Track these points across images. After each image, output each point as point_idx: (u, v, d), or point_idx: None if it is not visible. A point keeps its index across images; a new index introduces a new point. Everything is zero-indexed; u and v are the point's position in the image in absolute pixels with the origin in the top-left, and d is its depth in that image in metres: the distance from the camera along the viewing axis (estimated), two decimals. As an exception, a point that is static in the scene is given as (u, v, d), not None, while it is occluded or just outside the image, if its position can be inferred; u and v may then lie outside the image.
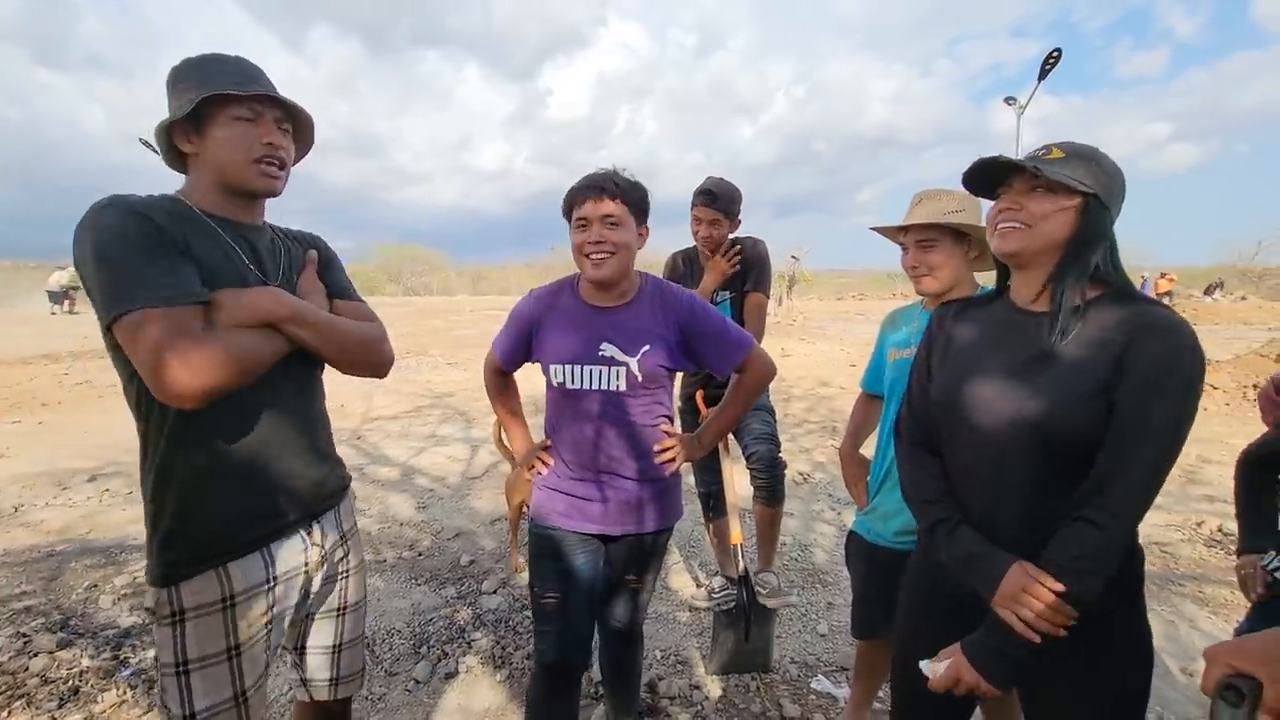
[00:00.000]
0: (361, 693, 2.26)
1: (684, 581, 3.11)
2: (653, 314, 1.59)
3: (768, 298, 2.54)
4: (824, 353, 12.19)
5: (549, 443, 1.67)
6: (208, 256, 1.08)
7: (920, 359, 1.31)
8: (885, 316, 1.90)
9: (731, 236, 2.58)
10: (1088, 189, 1.05)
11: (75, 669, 2.34)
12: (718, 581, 2.94)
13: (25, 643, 2.47)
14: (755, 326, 2.49)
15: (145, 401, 1.07)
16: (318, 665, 1.34)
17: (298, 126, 1.21)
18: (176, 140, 1.12)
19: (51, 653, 2.42)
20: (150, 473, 1.09)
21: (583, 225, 1.50)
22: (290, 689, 2.17)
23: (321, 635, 1.33)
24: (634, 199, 1.52)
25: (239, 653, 1.12)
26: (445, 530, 3.72)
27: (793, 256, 25.29)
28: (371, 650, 2.50)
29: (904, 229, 1.66)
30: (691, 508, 3.94)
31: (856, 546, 1.85)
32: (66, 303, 20.53)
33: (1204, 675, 0.86)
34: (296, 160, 1.25)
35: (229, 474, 1.11)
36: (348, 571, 1.35)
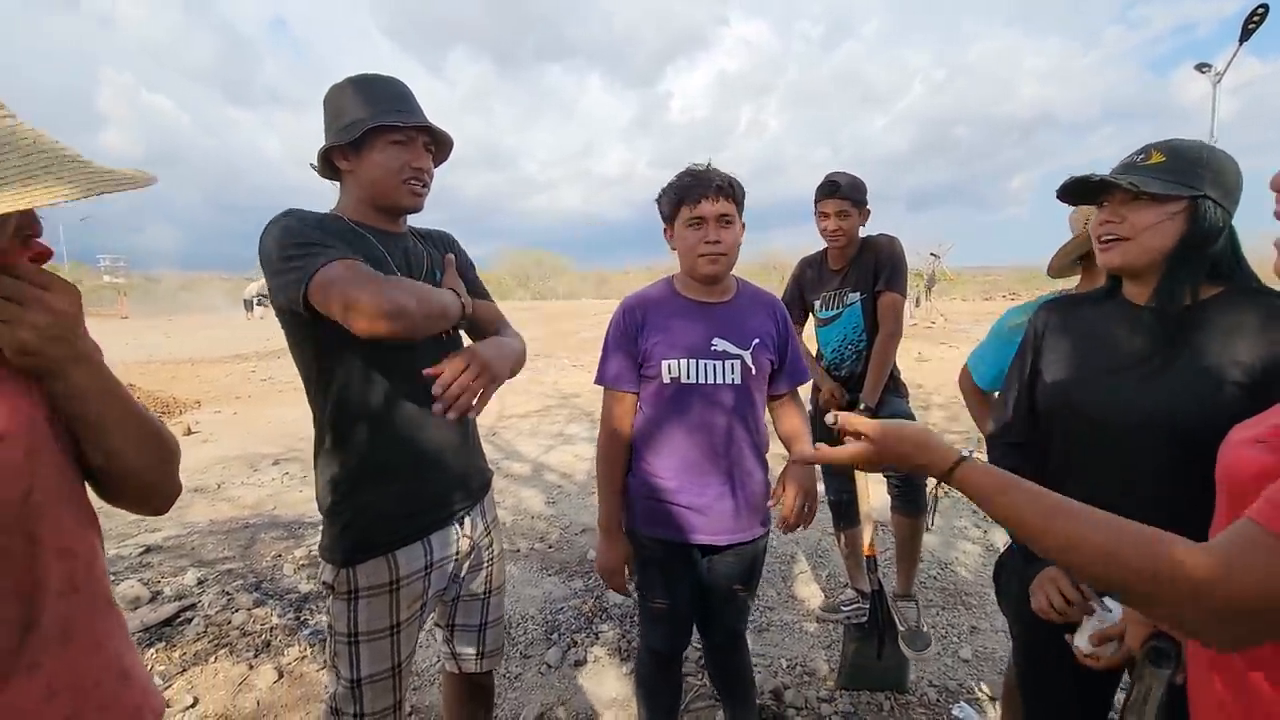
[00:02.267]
0: (500, 670, 2.41)
1: (811, 591, 3.01)
2: (756, 311, 1.63)
3: (904, 297, 2.39)
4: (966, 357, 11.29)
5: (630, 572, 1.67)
6: (365, 258, 1.19)
7: (1023, 359, 1.27)
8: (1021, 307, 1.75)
9: (864, 235, 2.47)
10: (1194, 191, 0.99)
11: (267, 625, 2.69)
12: (847, 594, 2.81)
13: (229, 600, 2.89)
14: (891, 328, 2.35)
15: (323, 397, 1.21)
16: (466, 641, 1.45)
17: (439, 146, 1.33)
18: (335, 159, 1.26)
19: (249, 610, 2.80)
20: (327, 464, 1.23)
21: (697, 224, 1.51)
22: (440, 660, 2.37)
23: (469, 615, 1.44)
24: (740, 196, 1.54)
25: (399, 630, 1.25)
26: (573, 525, 3.87)
27: (931, 254, 23.68)
28: (509, 632, 2.66)
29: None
30: (821, 515, 3.82)
31: (1012, 573, 1.69)
32: (259, 308, 23.88)
33: (1127, 635, 0.90)
34: (443, 161, 1.38)
35: (398, 469, 1.24)
36: (492, 559, 1.46)
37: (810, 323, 2.67)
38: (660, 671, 1.78)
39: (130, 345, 15.97)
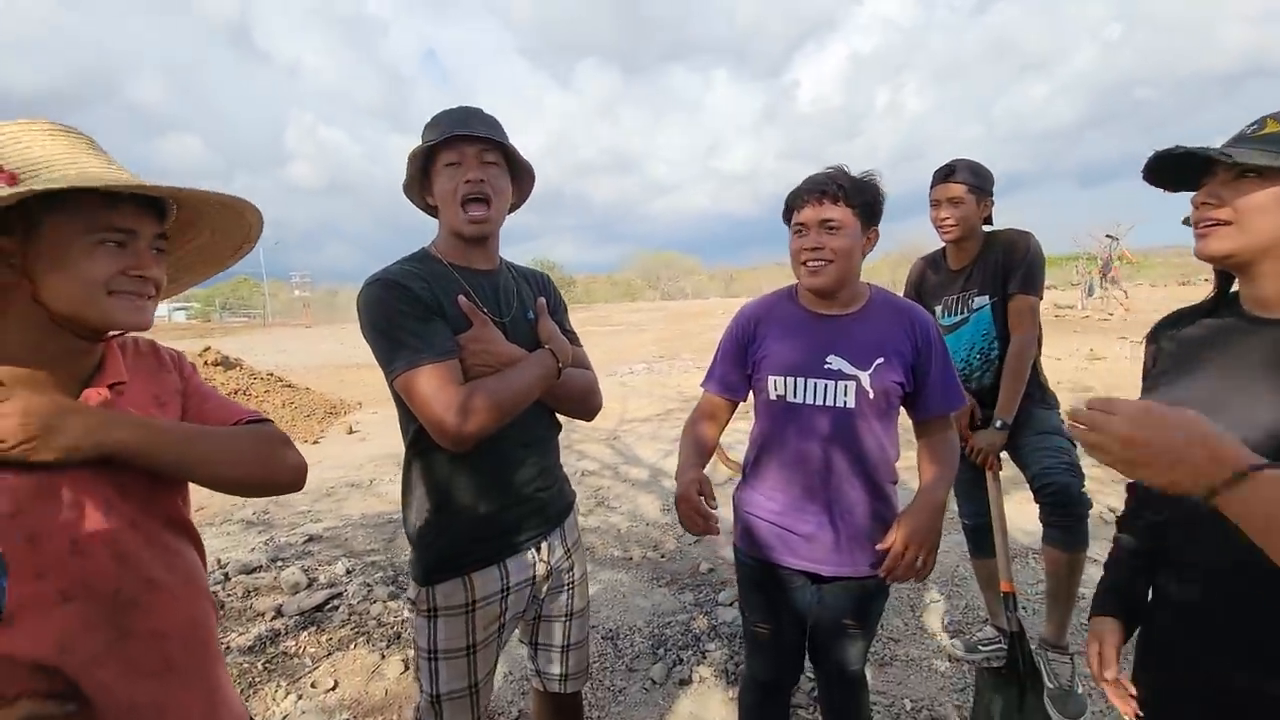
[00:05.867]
0: (604, 683, 2.42)
1: (944, 624, 2.72)
2: (886, 325, 1.45)
3: (1039, 298, 2.08)
4: (1148, 355, 9.75)
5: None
6: (454, 309, 1.22)
7: (1144, 386, 1.07)
8: None
9: (987, 229, 2.18)
10: None
11: (399, 617, 2.91)
12: (986, 631, 2.51)
13: (369, 591, 3.16)
14: (1025, 335, 2.05)
15: (409, 425, 1.26)
16: (548, 661, 1.46)
17: (512, 164, 1.30)
18: (425, 196, 1.31)
19: (385, 602, 3.05)
20: (412, 489, 1.29)
21: (800, 230, 1.41)
22: (526, 674, 2.42)
23: (550, 636, 1.44)
24: (860, 201, 1.38)
25: (475, 650, 1.28)
26: (687, 536, 3.81)
27: (1108, 235, 20.87)
28: (615, 643, 2.66)
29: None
30: (957, 538, 3.46)
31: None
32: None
33: None
34: (527, 194, 1.38)
35: (476, 497, 1.26)
36: (573, 583, 1.45)
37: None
38: (764, 703, 1.67)
39: (310, 351, 18.29)
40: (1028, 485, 2.17)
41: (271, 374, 8.85)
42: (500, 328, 1.27)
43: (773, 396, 1.47)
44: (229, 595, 3.16)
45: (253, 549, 3.82)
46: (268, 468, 0.95)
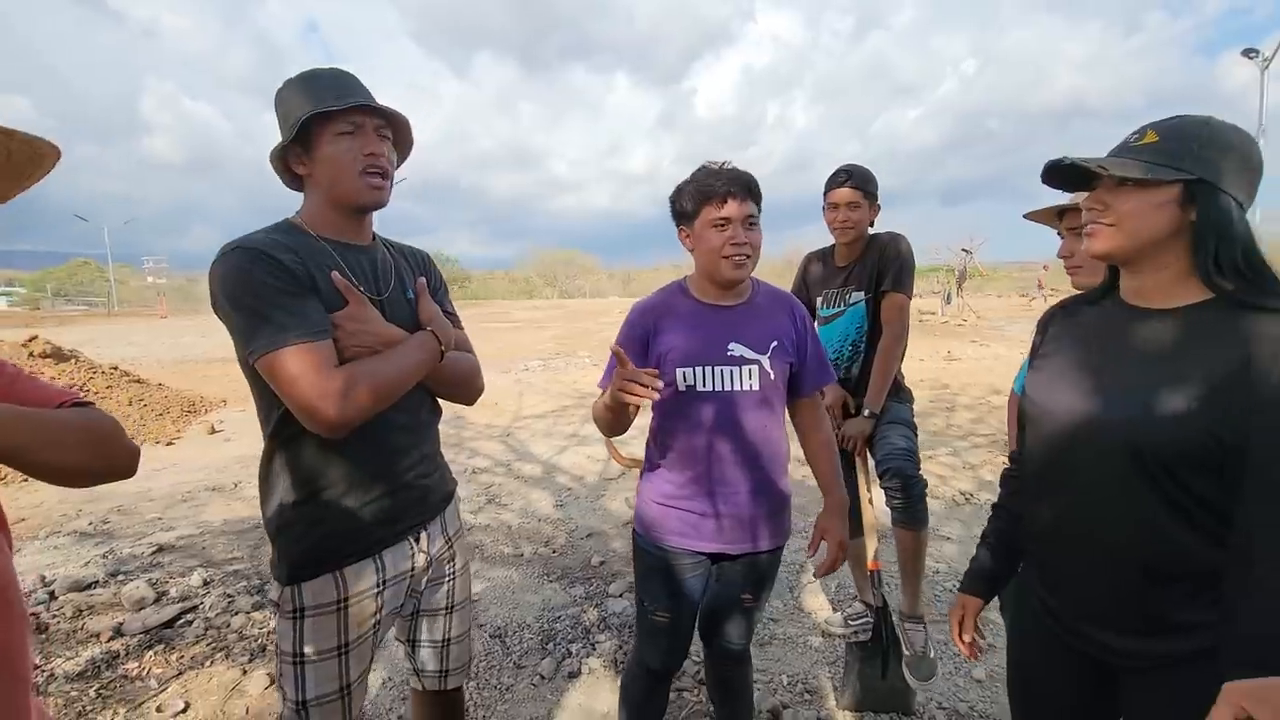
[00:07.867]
0: (491, 681, 2.36)
1: (818, 603, 2.90)
2: (774, 312, 1.55)
3: (909, 298, 2.26)
4: (999, 357, 10.95)
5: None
6: (328, 286, 1.12)
7: (1033, 364, 1.22)
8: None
9: (871, 232, 2.35)
10: (1181, 175, 0.91)
11: (264, 629, 2.68)
12: (855, 607, 2.69)
13: (230, 602, 2.89)
14: (896, 331, 2.22)
15: (268, 409, 1.15)
16: (427, 658, 1.39)
17: (397, 132, 1.23)
18: (291, 164, 1.18)
19: (248, 613, 2.80)
20: (273, 479, 1.17)
21: (722, 225, 1.44)
22: (405, 677, 2.32)
23: (430, 631, 1.38)
24: (761, 198, 1.47)
25: (348, 650, 1.19)
26: (579, 529, 3.81)
27: (963, 250, 23.19)
28: (503, 641, 2.60)
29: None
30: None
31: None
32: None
33: (1214, 711, 0.84)
34: (399, 163, 1.29)
35: (348, 486, 1.17)
36: (453, 574, 1.39)
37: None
38: (653, 690, 1.70)
39: (168, 345, 16.48)
40: None
41: (116, 368, 7.86)
42: (377, 306, 1.19)
43: (681, 388, 1.49)
44: (54, 616, 2.78)
45: (87, 563, 3.39)
46: (104, 454, 0.85)
